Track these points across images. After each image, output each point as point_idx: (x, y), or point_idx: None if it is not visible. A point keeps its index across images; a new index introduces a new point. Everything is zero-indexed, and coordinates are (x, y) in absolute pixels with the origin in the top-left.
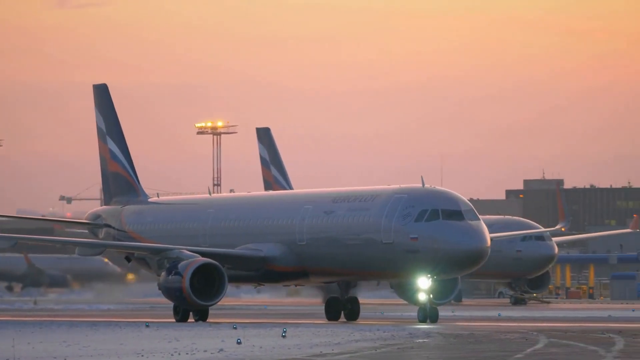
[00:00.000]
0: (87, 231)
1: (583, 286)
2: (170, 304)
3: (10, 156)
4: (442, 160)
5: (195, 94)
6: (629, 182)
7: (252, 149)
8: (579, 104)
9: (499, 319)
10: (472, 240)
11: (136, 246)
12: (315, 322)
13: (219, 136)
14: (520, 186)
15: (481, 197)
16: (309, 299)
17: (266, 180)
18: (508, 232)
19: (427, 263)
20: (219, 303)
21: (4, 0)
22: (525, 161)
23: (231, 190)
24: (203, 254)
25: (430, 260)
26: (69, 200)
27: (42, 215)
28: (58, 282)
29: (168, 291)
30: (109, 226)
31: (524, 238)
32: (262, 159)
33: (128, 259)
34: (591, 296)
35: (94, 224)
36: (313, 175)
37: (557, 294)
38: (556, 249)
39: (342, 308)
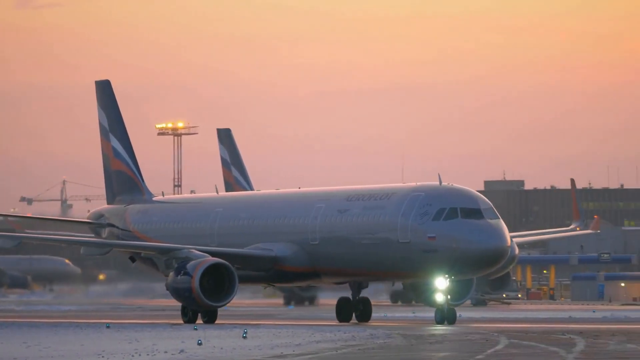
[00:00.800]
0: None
1: (544, 287)
2: (130, 306)
3: None
4: (403, 161)
5: (156, 95)
6: (590, 183)
7: (213, 150)
8: (529, 103)
9: (459, 320)
10: (492, 239)
11: (145, 246)
12: (276, 323)
13: (179, 137)
14: (482, 187)
15: None
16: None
17: (227, 181)
18: None
19: (445, 263)
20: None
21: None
22: (487, 162)
23: (192, 191)
24: (212, 254)
25: (449, 260)
26: (30, 202)
27: (42, 215)
28: (19, 283)
29: (176, 292)
30: (112, 225)
31: None
32: (223, 160)
33: (132, 259)
34: (552, 297)
35: (97, 224)
36: (275, 177)
37: (518, 296)
38: (517, 250)
39: (354, 309)
